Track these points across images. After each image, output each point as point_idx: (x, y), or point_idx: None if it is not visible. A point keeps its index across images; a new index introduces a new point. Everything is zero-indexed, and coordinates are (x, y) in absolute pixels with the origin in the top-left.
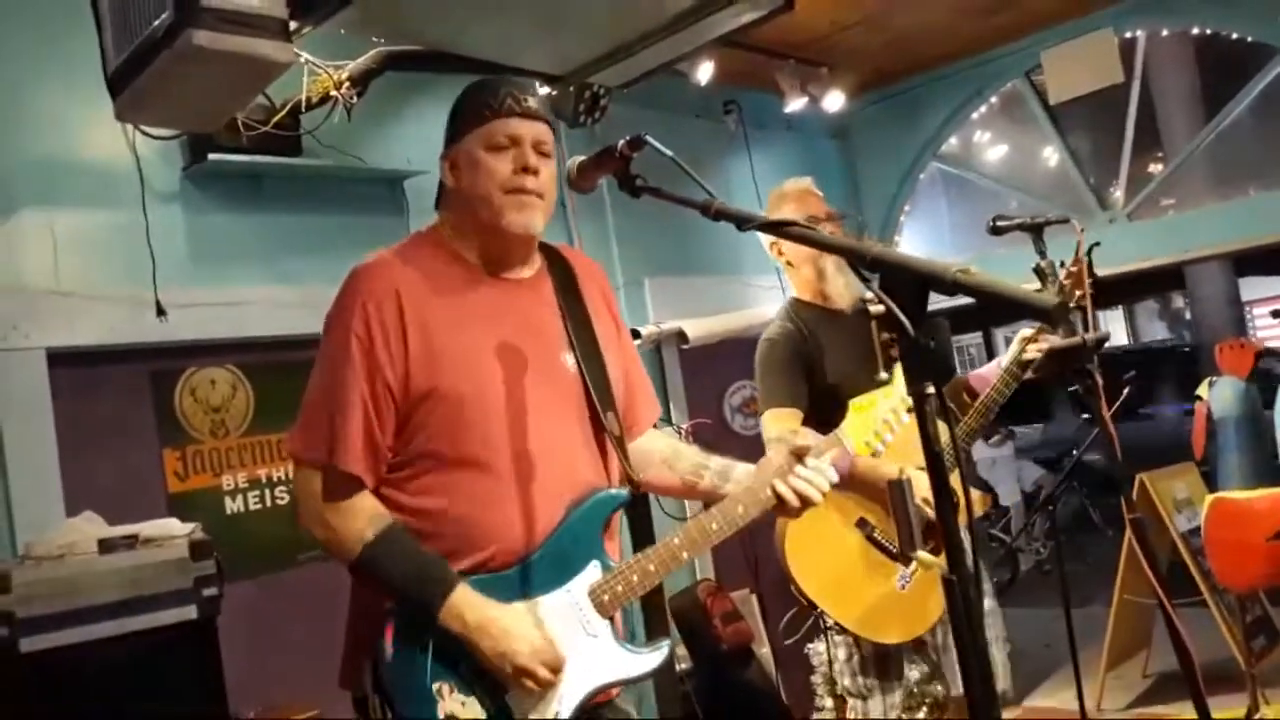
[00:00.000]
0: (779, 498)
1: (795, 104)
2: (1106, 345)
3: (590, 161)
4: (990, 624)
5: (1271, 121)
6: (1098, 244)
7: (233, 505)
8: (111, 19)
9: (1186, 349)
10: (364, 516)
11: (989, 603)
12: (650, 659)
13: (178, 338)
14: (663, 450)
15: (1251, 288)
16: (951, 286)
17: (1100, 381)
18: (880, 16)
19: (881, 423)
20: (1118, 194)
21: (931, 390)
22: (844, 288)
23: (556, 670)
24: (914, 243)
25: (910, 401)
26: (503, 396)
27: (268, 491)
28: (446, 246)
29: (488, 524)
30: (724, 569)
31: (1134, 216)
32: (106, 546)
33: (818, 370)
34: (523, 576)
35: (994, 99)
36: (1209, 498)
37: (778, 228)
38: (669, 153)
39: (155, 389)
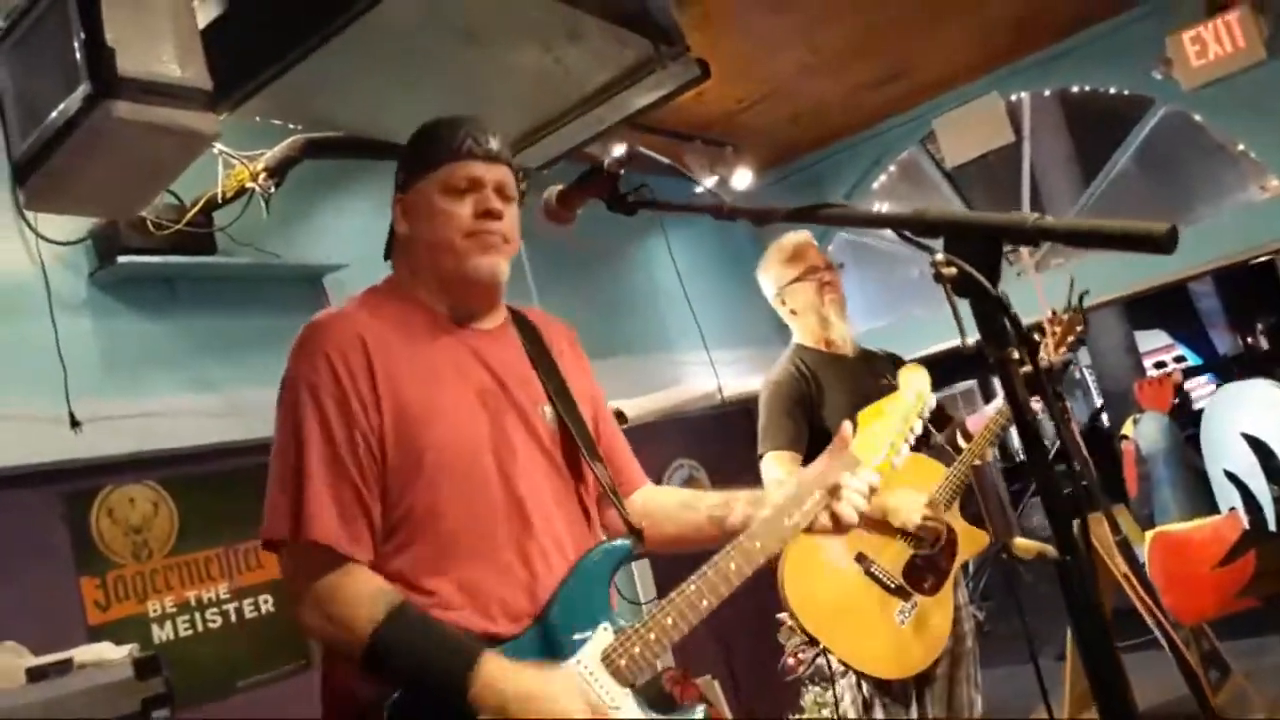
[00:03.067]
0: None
1: (705, 184)
2: None
3: (573, 187)
4: (970, 662)
5: (1153, 168)
6: (1087, 292)
7: (161, 633)
8: (15, 101)
9: None
10: (368, 596)
11: (969, 641)
12: None
13: (92, 454)
14: (678, 495)
15: (1141, 341)
16: (1035, 234)
17: (1067, 405)
18: (780, 92)
19: (896, 434)
20: (1022, 249)
21: (1017, 355)
22: (847, 332)
23: None
24: None
25: (921, 410)
26: (488, 451)
27: (199, 615)
28: (408, 294)
29: (484, 593)
30: (685, 654)
31: (1040, 268)
32: (35, 675)
33: (819, 414)
34: (523, 650)
35: (892, 168)
36: (1149, 534)
37: (806, 214)
38: (666, 160)
39: (69, 511)
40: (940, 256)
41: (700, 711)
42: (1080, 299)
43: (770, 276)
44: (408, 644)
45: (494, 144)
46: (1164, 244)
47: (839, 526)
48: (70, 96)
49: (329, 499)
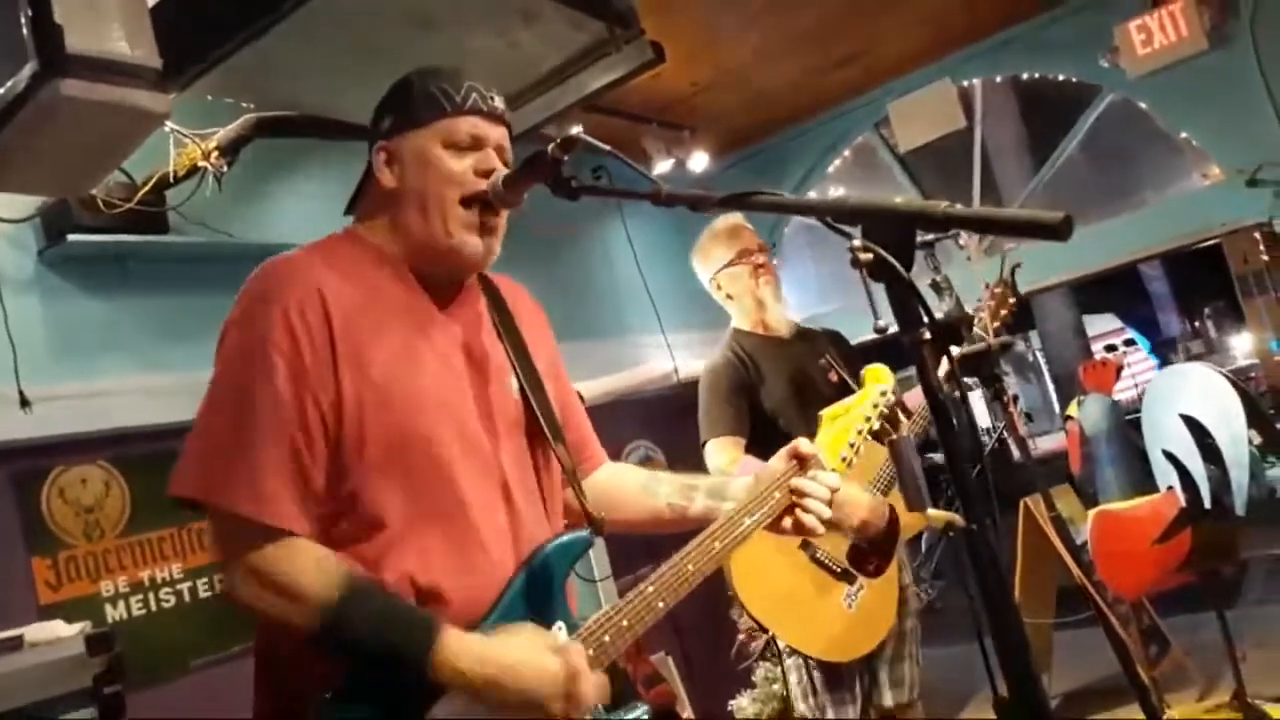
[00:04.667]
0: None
1: (661, 167)
2: None
3: (518, 172)
4: (912, 640)
5: (1100, 154)
6: (1019, 265)
7: (114, 613)
8: None
9: None
10: (314, 567)
11: (910, 621)
12: None
13: (42, 434)
14: (637, 478)
15: (1092, 325)
16: (944, 221)
17: (1008, 387)
18: (737, 75)
19: (855, 433)
20: (972, 233)
21: (929, 337)
22: (783, 314)
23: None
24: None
25: (880, 408)
26: (451, 427)
27: (152, 595)
28: (372, 247)
29: (436, 584)
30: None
31: (990, 253)
32: None
33: (759, 398)
34: None
35: (847, 152)
36: (1092, 512)
37: (738, 200)
38: (606, 147)
39: (19, 492)
40: (858, 242)
41: (642, 713)
42: (1012, 272)
43: (704, 261)
44: (363, 616)
45: (498, 102)
46: (1059, 232)
47: (801, 530)
48: (18, 74)
49: (272, 469)
